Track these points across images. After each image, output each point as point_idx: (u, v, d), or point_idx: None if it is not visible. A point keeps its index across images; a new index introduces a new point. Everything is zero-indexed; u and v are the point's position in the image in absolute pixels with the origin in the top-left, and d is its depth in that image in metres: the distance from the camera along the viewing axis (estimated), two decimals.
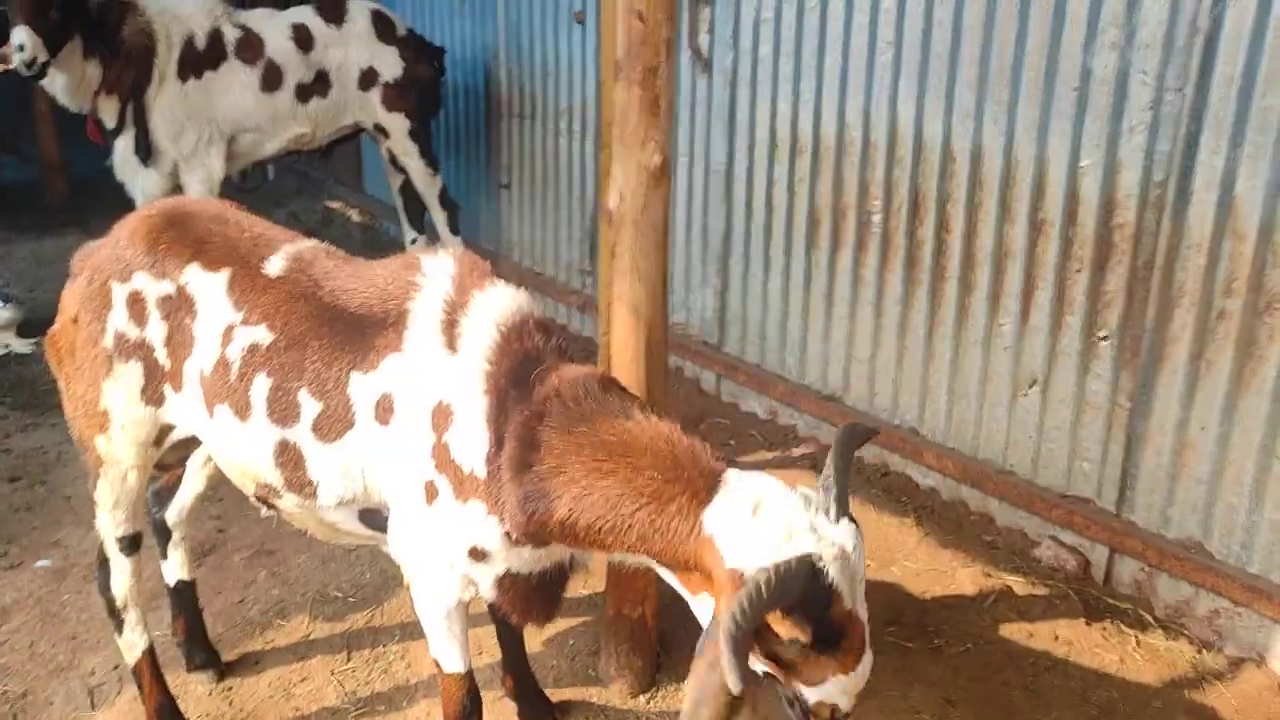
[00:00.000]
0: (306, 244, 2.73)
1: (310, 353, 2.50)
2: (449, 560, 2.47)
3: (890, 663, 3.53)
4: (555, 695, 3.37)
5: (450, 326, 2.39)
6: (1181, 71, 3.42)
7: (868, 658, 2.10)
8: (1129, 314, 3.72)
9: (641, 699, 3.40)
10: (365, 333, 2.48)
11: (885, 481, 4.73)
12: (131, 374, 2.73)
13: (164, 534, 3.43)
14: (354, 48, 6.29)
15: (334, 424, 2.48)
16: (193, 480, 3.39)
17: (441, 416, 2.37)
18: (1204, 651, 3.64)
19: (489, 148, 7.42)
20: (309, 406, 2.49)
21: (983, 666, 3.53)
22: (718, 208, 5.44)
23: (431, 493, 2.40)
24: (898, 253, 4.53)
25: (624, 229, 2.91)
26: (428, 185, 6.76)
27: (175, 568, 3.45)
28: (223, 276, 2.64)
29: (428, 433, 2.38)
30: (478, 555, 2.42)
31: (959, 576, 4.01)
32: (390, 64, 6.40)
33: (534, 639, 3.59)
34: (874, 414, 4.78)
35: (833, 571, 1.96)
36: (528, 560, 2.45)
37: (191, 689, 3.41)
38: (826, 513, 2.04)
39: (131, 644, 3.06)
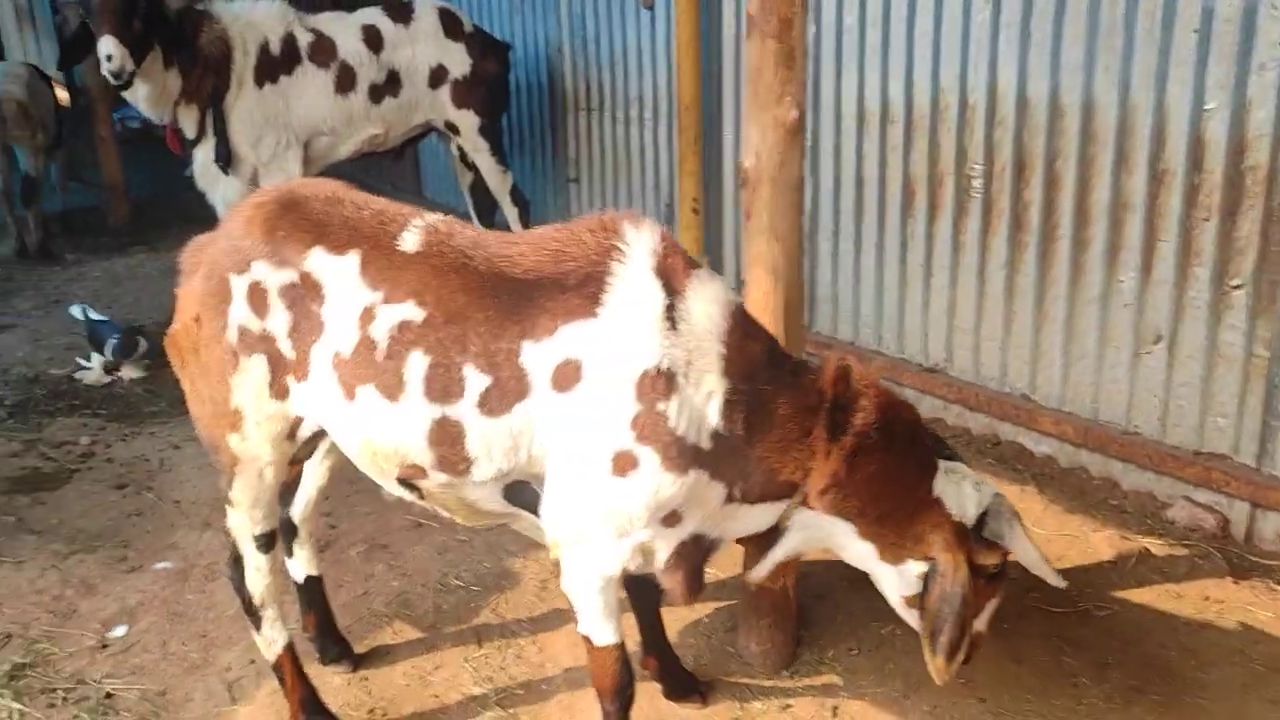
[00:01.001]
0: (434, 217, 2.66)
1: (474, 325, 2.42)
2: (625, 528, 2.42)
3: (1036, 628, 3.43)
4: (697, 675, 3.31)
5: (669, 303, 2.37)
6: None
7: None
8: (1264, 259, 3.59)
9: (784, 674, 3.32)
10: (534, 298, 2.42)
11: (997, 451, 4.62)
12: (257, 368, 2.66)
13: (289, 530, 3.39)
14: (422, 46, 6.30)
15: (504, 396, 2.41)
16: (315, 474, 3.35)
17: (655, 387, 2.32)
18: None
19: (555, 142, 7.40)
20: (475, 381, 2.42)
21: (1133, 629, 3.42)
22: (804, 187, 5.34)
23: (625, 462, 2.35)
24: (1002, 215, 4.42)
25: (760, 188, 2.84)
26: (499, 182, 6.75)
27: (302, 563, 3.41)
28: (353, 258, 2.56)
29: (630, 402, 2.33)
30: (673, 520, 2.44)
31: (1093, 541, 3.90)
32: (458, 61, 6.40)
33: (668, 624, 3.53)
34: (980, 383, 4.67)
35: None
36: (727, 518, 2.54)
37: (328, 680, 3.37)
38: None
39: (271, 640, 3.02)
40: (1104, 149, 3.99)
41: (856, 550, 2.64)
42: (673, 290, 2.39)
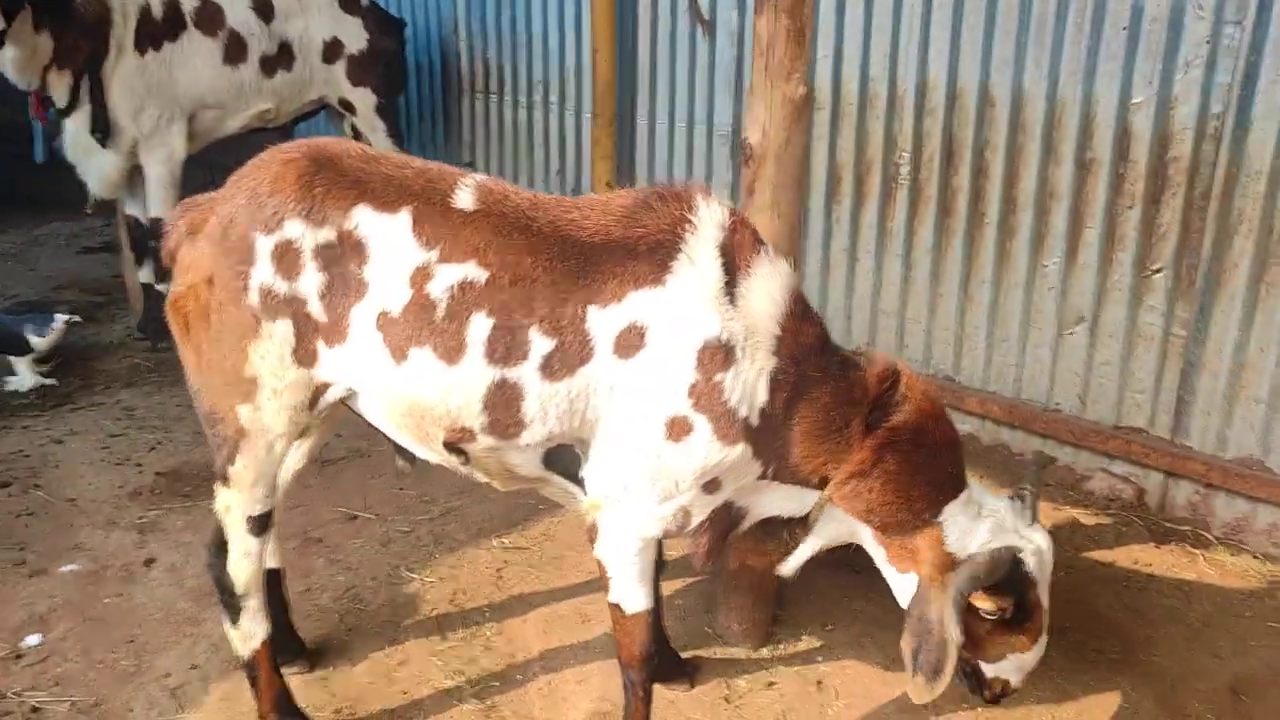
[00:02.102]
0: (481, 177, 2.56)
1: (540, 288, 2.36)
2: (670, 491, 2.43)
3: None
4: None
5: (730, 279, 2.38)
6: (1240, 4, 3.55)
7: (1043, 642, 2.65)
8: (1184, 245, 3.85)
9: (764, 651, 3.33)
10: (601, 263, 2.38)
11: None
12: (281, 333, 2.49)
13: None
14: (316, 17, 6.00)
15: (566, 360, 2.37)
16: (291, 458, 3.12)
17: (714, 358, 2.34)
18: (1267, 563, 3.80)
19: (448, 125, 7.18)
20: (539, 344, 2.36)
21: (1080, 592, 3.60)
22: (723, 173, 5.39)
23: (680, 428, 2.36)
24: (929, 203, 4.57)
25: (765, 164, 2.84)
26: None
27: (266, 556, 3.17)
28: (404, 215, 2.43)
29: (689, 371, 2.34)
30: (713, 487, 2.46)
31: None
32: (354, 36, 6.13)
33: None
34: None
35: (1030, 563, 2.55)
36: (751, 494, 2.55)
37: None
38: (1025, 519, 2.61)
39: (249, 634, 2.79)
40: (1032, 139, 4.18)
41: (873, 552, 2.70)
42: (737, 266, 2.40)
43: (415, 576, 3.71)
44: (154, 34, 5.42)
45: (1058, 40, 4.03)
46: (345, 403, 2.66)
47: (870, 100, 4.68)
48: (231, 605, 2.76)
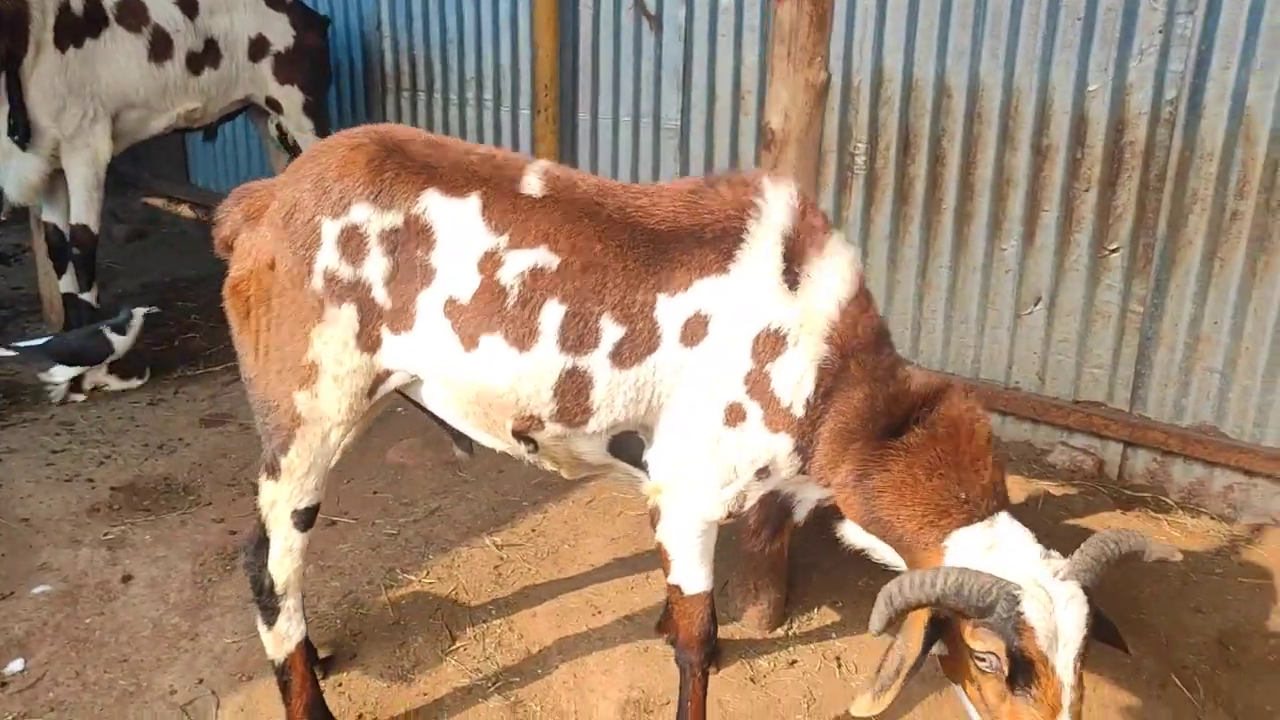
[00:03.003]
0: (546, 163, 2.54)
1: (611, 275, 2.35)
2: (730, 475, 2.45)
3: None
4: None
5: (793, 263, 2.37)
6: None
7: None
8: (1140, 225, 4.06)
9: (780, 630, 3.37)
10: (668, 250, 2.38)
11: None
12: (345, 318, 2.43)
13: None
14: (241, 13, 5.79)
15: (635, 348, 2.37)
16: None
17: (766, 346, 2.34)
18: (1224, 523, 4.04)
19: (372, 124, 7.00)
20: (610, 332, 2.36)
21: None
22: (670, 166, 5.42)
23: (736, 414, 2.38)
24: (885, 191, 4.70)
25: (787, 148, 2.88)
26: None
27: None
28: (473, 200, 2.40)
29: (745, 359, 2.36)
30: (764, 474, 2.47)
31: None
32: (280, 32, 5.95)
33: (657, 587, 3.50)
34: None
35: (1029, 608, 2.07)
36: (796, 484, 2.57)
37: None
38: (1056, 573, 2.17)
39: (285, 635, 2.70)
40: (989, 127, 4.34)
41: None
42: (803, 249, 2.38)
43: (412, 578, 3.61)
44: (75, 30, 5.13)
45: (1013, 31, 4.20)
46: (401, 390, 2.59)
47: None
48: (269, 606, 2.67)
